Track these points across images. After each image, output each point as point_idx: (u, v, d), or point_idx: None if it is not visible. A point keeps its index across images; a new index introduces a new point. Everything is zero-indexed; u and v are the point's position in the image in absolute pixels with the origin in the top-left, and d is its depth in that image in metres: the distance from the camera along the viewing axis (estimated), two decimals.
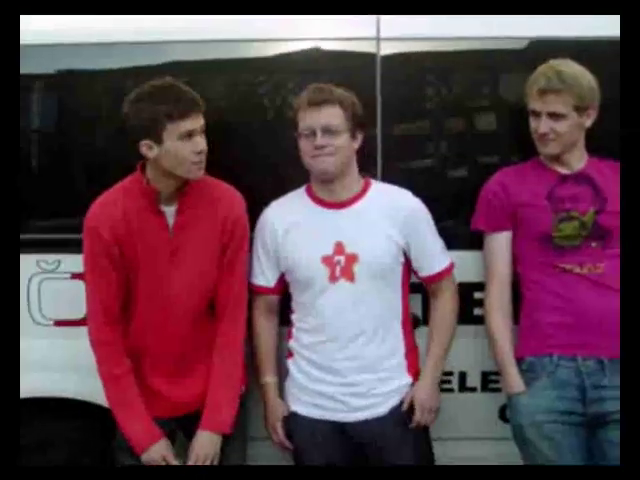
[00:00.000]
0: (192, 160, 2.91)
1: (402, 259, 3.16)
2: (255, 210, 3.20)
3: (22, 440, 3.30)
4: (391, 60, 3.30)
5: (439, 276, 3.21)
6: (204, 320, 3.11)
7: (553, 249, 3.11)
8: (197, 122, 2.89)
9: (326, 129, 3.02)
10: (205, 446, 3.05)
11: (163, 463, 3.04)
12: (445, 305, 3.22)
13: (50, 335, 3.32)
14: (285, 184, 3.29)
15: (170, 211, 3.01)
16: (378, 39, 3.30)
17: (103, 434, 3.23)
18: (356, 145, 3.11)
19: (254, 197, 3.21)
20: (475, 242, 3.27)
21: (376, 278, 3.10)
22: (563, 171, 3.16)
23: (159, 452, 3.03)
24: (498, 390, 3.31)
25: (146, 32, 3.30)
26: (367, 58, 3.30)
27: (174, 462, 3.05)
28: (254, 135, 3.39)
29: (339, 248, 3.10)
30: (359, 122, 3.10)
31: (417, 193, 3.22)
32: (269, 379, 3.24)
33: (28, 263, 3.28)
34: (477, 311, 3.29)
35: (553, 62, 3.10)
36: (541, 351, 3.11)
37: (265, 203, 3.23)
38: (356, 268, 3.08)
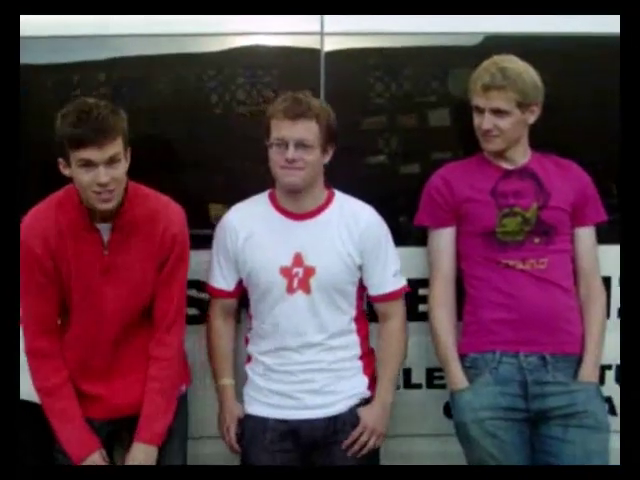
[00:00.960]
0: (92, 190, 2.78)
1: (358, 274, 3.15)
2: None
3: None
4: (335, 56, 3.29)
5: (388, 297, 3.18)
6: (139, 328, 3.04)
7: (496, 245, 3.11)
8: (102, 152, 2.73)
9: (299, 143, 2.99)
10: (139, 459, 3.00)
11: None
12: (393, 334, 3.19)
13: None
14: (233, 183, 3.30)
15: (105, 227, 2.92)
16: (322, 34, 3.29)
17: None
18: (326, 159, 3.09)
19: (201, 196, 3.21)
20: (420, 238, 3.26)
21: (332, 291, 3.10)
22: (507, 166, 3.15)
23: (94, 463, 2.97)
24: (443, 387, 3.30)
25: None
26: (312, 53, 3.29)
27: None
28: (201, 131, 3.37)
29: (298, 260, 3.09)
30: (332, 136, 3.07)
31: (362, 190, 3.22)
32: (226, 381, 3.21)
33: None
34: (422, 307, 3.28)
35: (497, 58, 3.09)
36: (484, 347, 3.11)
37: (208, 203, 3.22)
38: (313, 281, 3.08)
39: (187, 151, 3.43)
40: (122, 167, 2.81)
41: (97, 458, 2.97)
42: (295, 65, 3.38)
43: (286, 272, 3.08)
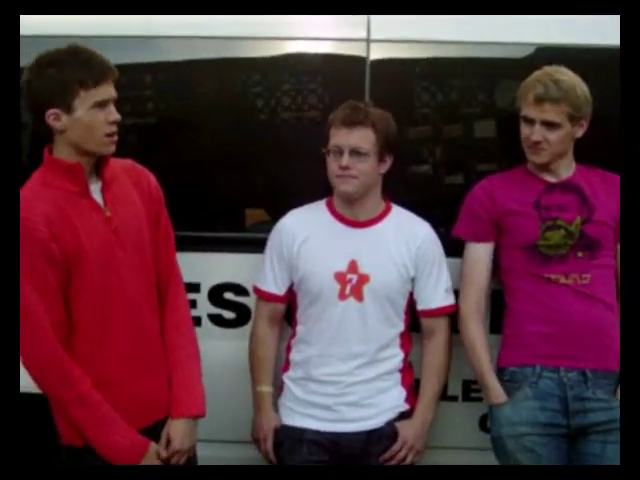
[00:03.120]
0: (106, 131, 2.66)
1: (410, 287, 3.15)
2: None
3: None
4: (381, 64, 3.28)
5: (435, 312, 3.17)
6: (156, 306, 2.86)
7: (539, 258, 3.06)
8: (111, 90, 2.66)
9: (354, 151, 3.00)
10: (185, 436, 2.79)
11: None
12: (438, 350, 3.18)
13: None
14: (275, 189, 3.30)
15: (94, 189, 2.73)
16: (368, 41, 3.27)
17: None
18: (383, 169, 3.09)
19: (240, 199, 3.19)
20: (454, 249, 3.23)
21: (384, 301, 3.10)
22: (550, 179, 3.11)
23: (151, 462, 2.75)
24: (479, 400, 3.26)
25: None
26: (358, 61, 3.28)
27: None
28: (247, 135, 3.37)
29: (353, 266, 3.08)
30: (390, 146, 3.06)
31: (407, 199, 3.21)
32: (266, 388, 3.20)
33: None
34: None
35: (549, 69, 3.04)
36: (524, 361, 3.07)
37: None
38: (366, 289, 3.07)
39: (230, 156, 3.43)
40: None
41: (152, 455, 2.76)
42: (340, 72, 3.36)
43: (340, 278, 3.08)
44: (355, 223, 3.13)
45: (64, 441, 2.81)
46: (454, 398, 3.35)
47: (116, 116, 2.67)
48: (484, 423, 3.29)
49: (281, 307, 3.23)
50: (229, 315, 3.33)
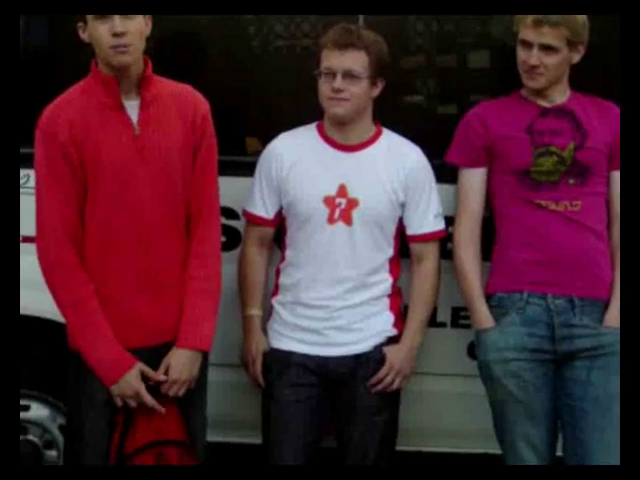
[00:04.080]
0: (110, 43, 2.69)
1: (399, 212, 3.14)
2: None
3: None
4: None
5: (424, 237, 3.16)
6: (177, 234, 2.88)
7: (530, 184, 3.05)
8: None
9: (347, 73, 2.98)
10: (184, 366, 2.81)
11: (133, 401, 2.80)
12: (427, 275, 3.17)
13: None
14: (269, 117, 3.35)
15: (131, 106, 2.80)
16: None
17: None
18: (375, 92, 3.07)
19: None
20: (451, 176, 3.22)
21: (372, 225, 3.09)
22: (545, 104, 3.09)
23: (131, 384, 2.77)
24: (468, 327, 3.27)
25: None
26: None
27: (147, 397, 2.80)
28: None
29: (342, 191, 3.08)
30: (383, 70, 3.04)
31: (403, 128, 3.19)
32: (255, 311, 3.20)
33: None
34: (448, 245, 3.23)
35: None
36: (511, 287, 3.07)
37: None
38: (355, 213, 3.07)
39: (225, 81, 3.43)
40: (139, 23, 2.74)
41: (134, 377, 2.77)
42: None
43: (329, 202, 3.07)
44: (345, 147, 3.11)
45: (70, 345, 2.88)
46: (443, 324, 3.36)
47: (118, 29, 2.68)
48: (472, 350, 3.29)
49: (270, 231, 3.22)
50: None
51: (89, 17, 2.70)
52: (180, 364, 2.84)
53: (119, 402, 2.82)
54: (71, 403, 2.97)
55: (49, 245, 2.78)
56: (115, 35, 2.69)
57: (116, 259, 2.83)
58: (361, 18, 3.25)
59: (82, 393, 2.87)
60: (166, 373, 2.85)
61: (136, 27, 2.72)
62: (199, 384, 2.93)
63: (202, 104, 2.91)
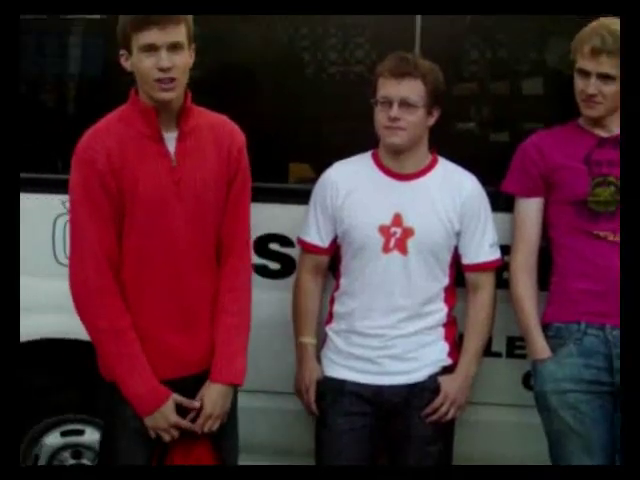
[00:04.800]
0: (154, 77, 2.65)
1: (455, 241, 3.13)
2: None
3: (40, 380, 3.37)
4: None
5: (480, 267, 3.15)
6: (209, 265, 2.85)
7: (587, 215, 3.03)
8: (165, 34, 2.63)
9: (403, 102, 2.97)
10: (217, 401, 2.80)
11: (167, 435, 2.78)
12: (483, 305, 3.16)
13: None
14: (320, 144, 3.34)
15: (169, 137, 2.77)
16: None
17: None
18: (431, 121, 3.07)
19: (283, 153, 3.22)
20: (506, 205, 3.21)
21: (428, 255, 3.08)
22: (602, 134, 3.07)
23: (166, 416, 2.75)
24: (523, 357, 3.25)
25: None
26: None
27: (182, 422, 2.77)
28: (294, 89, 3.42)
29: (397, 219, 3.07)
30: (438, 98, 3.04)
31: (456, 155, 3.19)
32: (309, 339, 3.20)
33: (54, 203, 3.30)
34: (504, 275, 3.21)
35: (605, 20, 2.97)
36: (569, 318, 3.05)
37: None
38: (410, 242, 3.06)
39: (276, 108, 3.43)
40: (185, 57, 2.70)
41: (169, 409, 2.75)
42: (390, 26, 3.32)
43: (384, 231, 3.06)
44: (401, 176, 3.11)
45: (102, 372, 2.86)
46: (498, 354, 3.34)
47: (165, 63, 2.65)
48: (527, 380, 3.28)
49: (325, 259, 3.22)
50: (274, 266, 3.34)
51: (134, 47, 2.67)
52: (214, 399, 2.82)
53: (152, 434, 2.80)
54: (105, 430, 2.96)
55: (88, 271, 2.73)
56: (161, 70, 2.66)
57: (149, 289, 2.80)
58: (417, 46, 3.25)
59: (115, 419, 2.85)
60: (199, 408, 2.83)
61: (182, 61, 2.68)
62: (230, 415, 2.90)
63: (238, 136, 2.90)
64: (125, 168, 2.72)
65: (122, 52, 2.72)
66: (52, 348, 3.38)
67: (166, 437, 2.79)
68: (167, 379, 2.79)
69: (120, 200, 2.73)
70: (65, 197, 3.05)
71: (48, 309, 3.30)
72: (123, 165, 2.72)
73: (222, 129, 2.87)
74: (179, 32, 2.66)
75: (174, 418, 2.77)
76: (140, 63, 2.67)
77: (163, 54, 2.65)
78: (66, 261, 3.10)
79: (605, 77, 2.94)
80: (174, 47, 2.66)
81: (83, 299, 2.76)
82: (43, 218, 3.37)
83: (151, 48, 2.65)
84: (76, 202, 2.74)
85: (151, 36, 2.64)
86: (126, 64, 2.73)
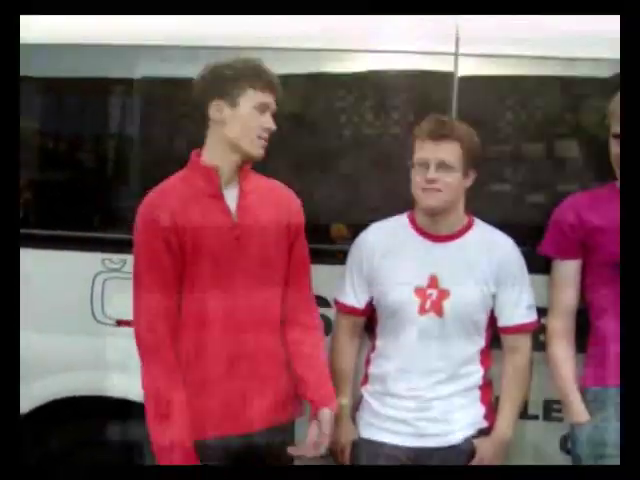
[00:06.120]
0: (258, 134, 2.82)
1: (491, 303, 3.13)
2: None
3: (72, 438, 3.37)
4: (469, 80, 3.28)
5: (517, 329, 3.14)
6: (269, 321, 2.92)
7: None
8: (273, 103, 2.86)
9: (441, 164, 3.00)
10: (326, 424, 2.86)
11: None
12: (519, 369, 3.15)
13: (112, 334, 3.32)
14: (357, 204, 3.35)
15: (230, 194, 2.86)
16: (456, 55, 3.28)
17: None
18: (467, 184, 3.09)
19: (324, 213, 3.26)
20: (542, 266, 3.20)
21: (464, 316, 3.08)
22: None
23: None
24: (560, 420, 3.23)
25: None
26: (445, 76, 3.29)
27: None
28: (331, 150, 3.42)
29: (433, 281, 3.08)
30: (475, 160, 3.07)
31: (491, 217, 3.20)
32: (344, 401, 3.19)
33: (93, 261, 3.34)
34: (541, 337, 3.20)
35: None
36: (608, 382, 3.03)
37: None
38: (446, 304, 3.06)
39: (314, 169, 3.46)
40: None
41: None
42: (427, 87, 3.36)
43: (420, 293, 3.07)
44: (437, 237, 3.12)
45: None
46: (535, 417, 3.31)
47: (272, 125, 2.84)
48: (565, 444, 3.25)
49: (361, 320, 3.22)
50: None
51: (245, 102, 2.80)
52: (324, 422, 2.87)
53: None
54: None
55: (147, 331, 2.80)
56: (266, 129, 2.84)
57: (210, 344, 2.84)
58: (453, 109, 3.28)
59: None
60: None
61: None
62: None
63: (295, 199, 3.00)
64: (188, 226, 2.79)
65: (217, 102, 2.81)
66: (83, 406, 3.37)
67: None
68: (224, 435, 2.83)
69: (182, 258, 2.79)
70: (104, 255, 3.10)
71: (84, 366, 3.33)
72: (186, 223, 2.79)
73: (280, 191, 2.98)
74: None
75: None
76: (251, 117, 2.82)
77: (270, 117, 2.85)
78: (105, 320, 3.15)
79: None
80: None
81: (154, 359, 2.80)
82: (82, 276, 3.40)
83: (265, 107, 2.83)
84: (140, 264, 2.80)
85: (270, 100, 2.85)
86: (216, 114, 2.82)
